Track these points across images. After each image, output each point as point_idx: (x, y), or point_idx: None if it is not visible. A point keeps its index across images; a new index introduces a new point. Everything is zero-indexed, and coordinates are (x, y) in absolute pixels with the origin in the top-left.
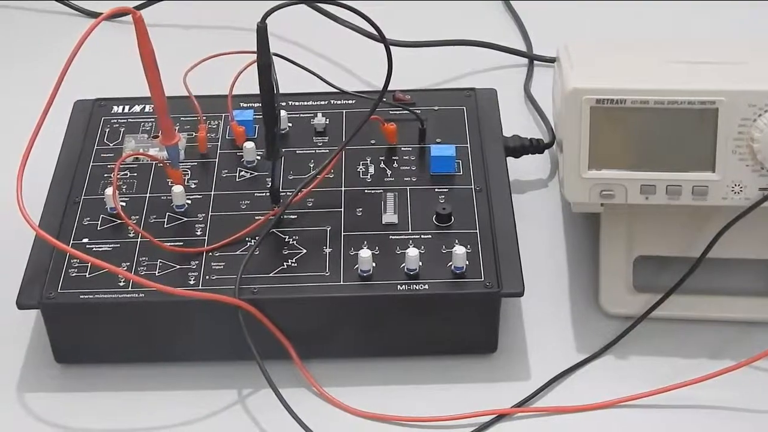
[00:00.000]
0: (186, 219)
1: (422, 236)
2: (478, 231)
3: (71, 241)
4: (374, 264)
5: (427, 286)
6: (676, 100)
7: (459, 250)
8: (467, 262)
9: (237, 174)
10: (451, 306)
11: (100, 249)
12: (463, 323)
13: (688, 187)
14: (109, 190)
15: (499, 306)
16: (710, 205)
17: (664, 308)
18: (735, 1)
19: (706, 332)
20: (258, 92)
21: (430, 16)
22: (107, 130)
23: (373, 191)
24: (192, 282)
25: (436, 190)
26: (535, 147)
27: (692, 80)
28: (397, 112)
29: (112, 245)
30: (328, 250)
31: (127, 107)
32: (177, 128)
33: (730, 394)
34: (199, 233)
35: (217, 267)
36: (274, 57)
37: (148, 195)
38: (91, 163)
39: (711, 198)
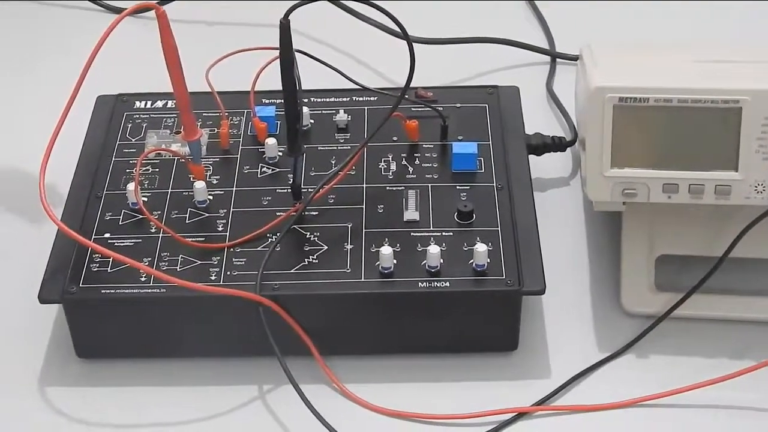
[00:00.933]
0: (207, 215)
1: (443, 233)
2: (499, 228)
3: (93, 236)
4: (395, 261)
5: (448, 284)
6: (700, 99)
7: (480, 247)
8: (488, 260)
9: (259, 170)
10: (472, 304)
11: (122, 244)
12: (483, 321)
13: (711, 186)
14: (131, 186)
15: (520, 304)
16: (733, 205)
17: (685, 307)
18: (761, 1)
19: (728, 332)
20: (280, 88)
21: (453, 14)
22: (129, 125)
23: (394, 188)
24: (213, 278)
25: (458, 187)
26: (557, 145)
27: (716, 79)
28: (419, 109)
29: (133, 240)
30: (349, 247)
31: (149, 102)
32: (199, 124)
33: (752, 395)
34: (220, 229)
35: (238, 263)
36: (296, 53)
37: (169, 190)
38: (113, 158)
39: (734, 197)
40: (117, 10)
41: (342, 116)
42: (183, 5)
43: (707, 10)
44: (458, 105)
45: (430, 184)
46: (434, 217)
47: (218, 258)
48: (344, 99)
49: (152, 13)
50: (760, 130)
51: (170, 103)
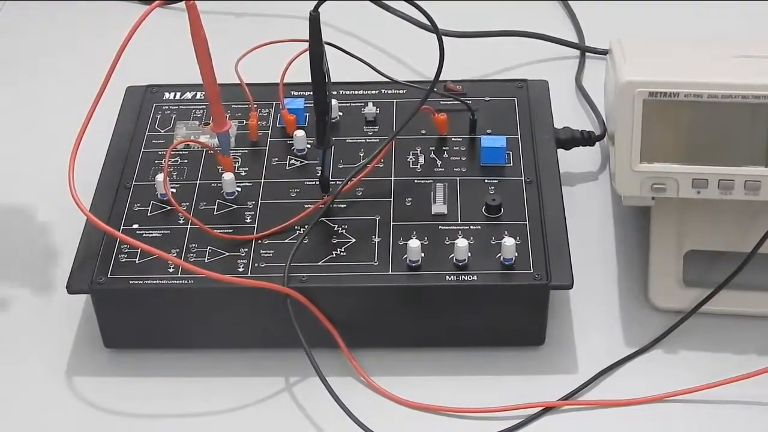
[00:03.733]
0: (236, 206)
1: (471, 227)
2: (527, 222)
3: (122, 227)
4: (423, 254)
5: (475, 277)
6: (730, 94)
7: (508, 241)
8: (516, 254)
9: (287, 162)
10: (500, 297)
11: (150, 235)
12: (511, 315)
13: (741, 181)
14: (159, 177)
15: (547, 298)
16: (762, 200)
17: (713, 303)
18: None
19: (756, 328)
20: (309, 81)
21: (482, 7)
22: (158, 116)
23: (422, 181)
24: (241, 269)
25: (486, 181)
26: (586, 139)
27: (746, 74)
28: (448, 103)
29: (162, 231)
30: (377, 240)
31: (178, 94)
32: (228, 116)
33: None
34: (248, 221)
35: (266, 255)
36: (326, 46)
37: (198, 182)
38: (142, 149)
39: (763, 193)
40: (147, 2)
41: (371, 109)
42: None
43: (737, 7)
44: (487, 98)
45: (458, 178)
46: (462, 210)
47: (246, 250)
48: (373, 92)
49: (182, 5)
50: None
51: (199, 95)
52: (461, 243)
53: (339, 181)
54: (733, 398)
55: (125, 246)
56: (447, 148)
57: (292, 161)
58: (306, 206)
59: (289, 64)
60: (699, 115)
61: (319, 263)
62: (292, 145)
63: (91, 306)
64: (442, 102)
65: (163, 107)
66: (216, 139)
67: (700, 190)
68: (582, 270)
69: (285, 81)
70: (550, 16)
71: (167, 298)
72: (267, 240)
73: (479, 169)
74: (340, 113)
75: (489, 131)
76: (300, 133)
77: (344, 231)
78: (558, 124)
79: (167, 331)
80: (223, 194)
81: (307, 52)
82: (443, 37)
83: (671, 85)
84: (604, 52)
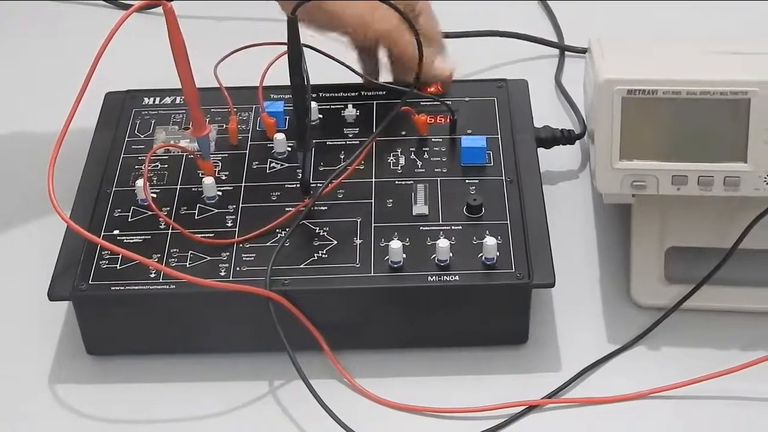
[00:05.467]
0: (217, 210)
1: (453, 227)
2: (509, 222)
3: (102, 233)
4: (405, 255)
5: (457, 277)
6: (709, 91)
7: (490, 241)
8: (498, 253)
9: (268, 165)
10: (482, 297)
11: (131, 240)
12: (493, 314)
13: (720, 177)
14: (140, 182)
15: (530, 297)
16: (742, 196)
17: (696, 299)
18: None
19: (739, 323)
20: (289, 84)
21: (460, 7)
22: (138, 121)
23: (403, 182)
24: (223, 273)
25: (467, 181)
26: (566, 138)
27: (725, 71)
28: (428, 103)
29: (143, 237)
30: (358, 242)
31: (158, 99)
32: (208, 120)
33: (763, 386)
34: (229, 225)
35: (248, 258)
36: (304, 48)
37: (178, 186)
38: (122, 155)
39: (743, 189)
40: (125, 7)
41: (350, 111)
42: (191, 1)
43: (716, 7)
44: (467, 99)
45: (439, 178)
46: (443, 211)
47: (228, 254)
48: (353, 94)
49: (160, 9)
50: None
51: (179, 99)
52: (443, 243)
53: (320, 183)
54: (717, 394)
55: (106, 252)
56: (427, 148)
57: (273, 164)
58: (287, 209)
59: (268, 67)
60: (678, 112)
61: (301, 266)
62: (273, 148)
63: (72, 313)
64: (422, 103)
65: (143, 112)
66: (196, 144)
67: (680, 187)
68: (564, 268)
69: (264, 84)
70: (529, 16)
71: (149, 303)
72: (248, 244)
73: (460, 169)
74: (320, 116)
75: (469, 131)
76: (280, 136)
77: (326, 233)
78: (538, 123)
79: (150, 337)
80: (203, 198)
81: (286, 55)
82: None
83: (650, 82)
84: (584, 51)
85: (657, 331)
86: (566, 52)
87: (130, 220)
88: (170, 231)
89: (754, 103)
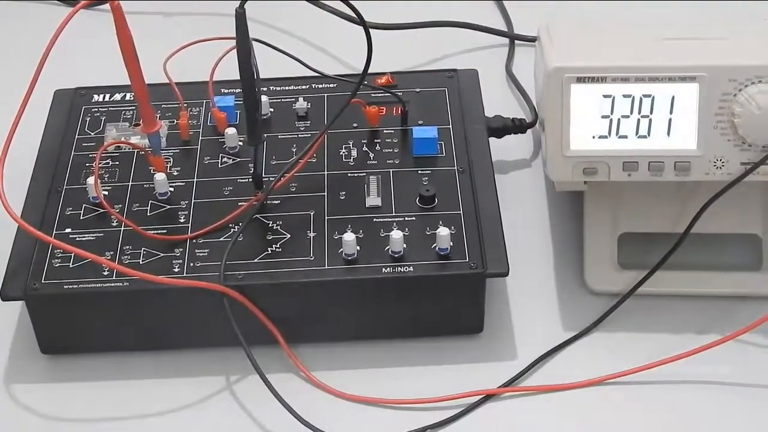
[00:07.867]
0: (169, 206)
1: (406, 218)
2: (461, 212)
3: (54, 232)
4: (359, 247)
5: (412, 268)
6: (657, 77)
7: (443, 231)
8: (451, 243)
9: (219, 160)
10: (437, 287)
11: (84, 239)
12: (448, 304)
13: (671, 163)
14: (91, 180)
15: (484, 286)
16: (693, 181)
17: (649, 285)
18: None
19: (693, 308)
20: (239, 78)
21: None
22: (88, 118)
23: (356, 174)
24: (176, 270)
25: (419, 171)
26: (517, 127)
27: (673, 56)
28: (379, 95)
29: (95, 234)
30: (312, 235)
31: (107, 96)
32: (158, 116)
33: (718, 369)
34: (182, 220)
35: (201, 254)
36: (253, 42)
37: (130, 183)
38: (72, 153)
39: (694, 173)
40: (72, 3)
41: (302, 104)
42: None
43: None
44: (418, 90)
45: (391, 170)
46: (396, 202)
47: (181, 250)
48: (303, 87)
49: (108, 6)
50: (718, 106)
51: (129, 96)
52: (396, 235)
53: (272, 177)
54: (673, 378)
55: (59, 251)
56: (379, 140)
57: (225, 159)
58: (240, 204)
59: (218, 62)
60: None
61: (255, 260)
62: (224, 143)
63: (26, 312)
64: (372, 95)
65: (93, 109)
66: (147, 140)
67: (631, 173)
68: (518, 257)
69: (214, 79)
70: (478, 6)
71: (103, 301)
72: (201, 239)
73: (412, 160)
74: (271, 109)
75: (420, 122)
76: (231, 131)
77: (279, 227)
78: (489, 113)
79: (104, 335)
80: (155, 195)
81: (235, 49)
82: (371, 29)
83: (598, 69)
84: (533, 40)
85: (612, 318)
86: (516, 41)
87: (82, 218)
88: (123, 228)
89: (702, 88)
